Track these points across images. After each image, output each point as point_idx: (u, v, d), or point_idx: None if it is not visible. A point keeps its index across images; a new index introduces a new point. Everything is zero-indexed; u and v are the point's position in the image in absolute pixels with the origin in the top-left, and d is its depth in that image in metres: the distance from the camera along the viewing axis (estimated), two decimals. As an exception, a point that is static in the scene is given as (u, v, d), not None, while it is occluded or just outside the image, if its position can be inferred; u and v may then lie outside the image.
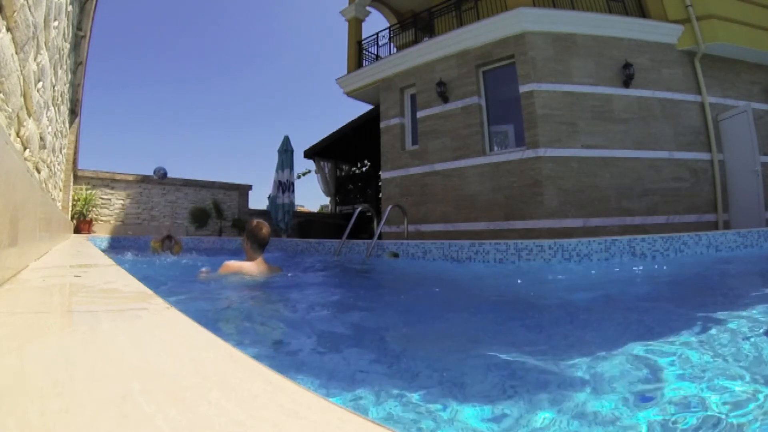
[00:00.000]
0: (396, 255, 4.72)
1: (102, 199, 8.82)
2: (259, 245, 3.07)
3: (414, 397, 1.04)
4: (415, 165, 8.18)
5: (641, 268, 3.43)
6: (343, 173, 14.73)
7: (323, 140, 12.74)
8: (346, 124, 11.93)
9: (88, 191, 8.39)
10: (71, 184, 7.39)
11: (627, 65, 6.90)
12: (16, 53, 1.26)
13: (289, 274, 3.39)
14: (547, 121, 6.69)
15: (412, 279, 3.91)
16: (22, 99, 1.44)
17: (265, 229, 3.10)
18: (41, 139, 2.25)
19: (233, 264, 2.99)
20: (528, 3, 7.06)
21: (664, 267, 3.49)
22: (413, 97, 8.61)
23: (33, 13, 1.46)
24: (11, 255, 1.10)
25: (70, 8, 3.37)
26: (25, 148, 1.68)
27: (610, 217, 6.55)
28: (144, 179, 9.38)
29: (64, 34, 3.06)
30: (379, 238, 5.32)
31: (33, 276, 1.25)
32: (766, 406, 0.92)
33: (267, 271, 3.10)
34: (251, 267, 3.02)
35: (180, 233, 9.30)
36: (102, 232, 8.40)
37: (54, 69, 2.57)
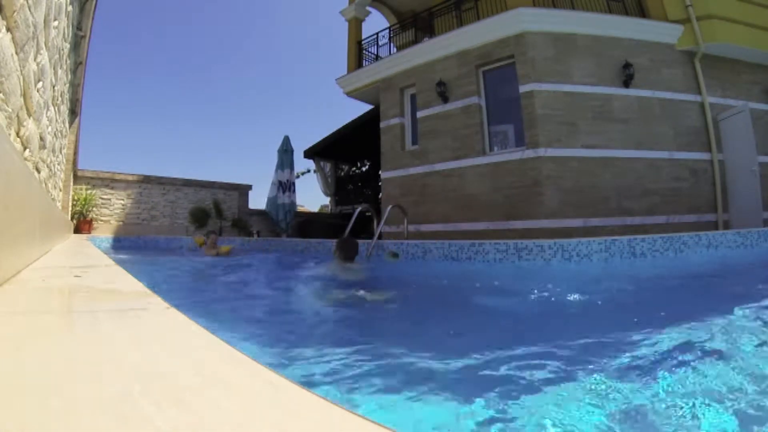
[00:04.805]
0: (396, 255, 4.71)
1: (102, 199, 8.81)
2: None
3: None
4: (415, 165, 8.17)
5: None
6: (342, 173, 14.71)
7: (323, 140, 12.72)
8: (346, 124, 11.92)
9: (88, 191, 8.39)
10: (71, 184, 7.39)
11: (627, 65, 6.90)
12: (16, 53, 1.26)
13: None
14: (547, 121, 6.69)
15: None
16: (22, 99, 1.44)
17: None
18: (41, 139, 2.25)
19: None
20: (528, 3, 7.05)
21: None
22: (413, 97, 8.60)
23: (33, 13, 1.45)
24: (11, 255, 1.10)
25: (70, 8, 3.37)
26: (25, 148, 1.68)
27: (610, 217, 6.55)
28: (144, 179, 9.37)
29: (64, 34, 3.06)
30: (379, 238, 5.32)
31: (33, 276, 1.25)
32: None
33: None
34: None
35: (180, 233, 9.30)
36: (102, 232, 8.39)
37: (54, 69, 2.57)
